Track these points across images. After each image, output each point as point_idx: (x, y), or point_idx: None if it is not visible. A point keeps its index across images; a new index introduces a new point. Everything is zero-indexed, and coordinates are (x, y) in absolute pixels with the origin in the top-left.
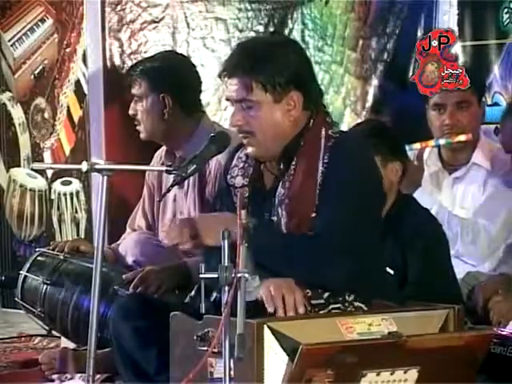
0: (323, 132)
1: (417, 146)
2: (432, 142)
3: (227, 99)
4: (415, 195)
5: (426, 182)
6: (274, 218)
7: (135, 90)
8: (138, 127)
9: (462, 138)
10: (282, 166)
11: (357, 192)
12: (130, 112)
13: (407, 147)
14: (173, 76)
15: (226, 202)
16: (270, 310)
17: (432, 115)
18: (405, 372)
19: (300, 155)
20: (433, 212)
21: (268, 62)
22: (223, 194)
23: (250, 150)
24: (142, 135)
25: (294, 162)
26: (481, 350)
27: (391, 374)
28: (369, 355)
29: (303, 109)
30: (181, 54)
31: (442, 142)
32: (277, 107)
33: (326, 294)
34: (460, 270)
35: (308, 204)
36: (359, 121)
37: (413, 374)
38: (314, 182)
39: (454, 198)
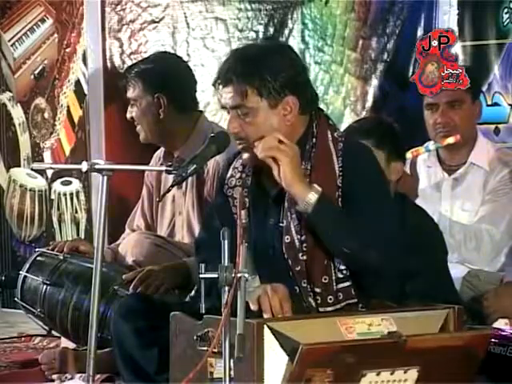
0: (329, 135)
1: (408, 155)
2: (422, 149)
3: (222, 107)
4: None
5: (426, 187)
6: (283, 224)
7: (130, 93)
8: (137, 129)
9: (451, 140)
10: None
11: (386, 195)
12: (128, 116)
13: None
14: (166, 76)
15: (226, 214)
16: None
17: (426, 115)
18: (405, 372)
19: (312, 158)
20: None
21: (262, 68)
22: (221, 208)
23: (246, 156)
24: (141, 137)
25: (303, 167)
26: (480, 350)
27: (391, 374)
28: (369, 355)
29: (300, 114)
30: (174, 54)
31: (431, 147)
32: (273, 113)
33: (342, 304)
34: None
35: None
36: None
37: (413, 373)
38: (334, 185)
39: (455, 201)
